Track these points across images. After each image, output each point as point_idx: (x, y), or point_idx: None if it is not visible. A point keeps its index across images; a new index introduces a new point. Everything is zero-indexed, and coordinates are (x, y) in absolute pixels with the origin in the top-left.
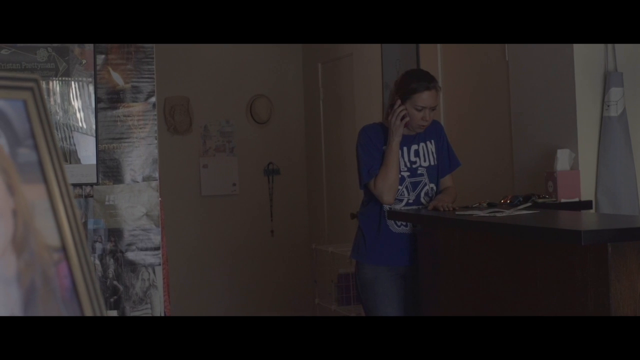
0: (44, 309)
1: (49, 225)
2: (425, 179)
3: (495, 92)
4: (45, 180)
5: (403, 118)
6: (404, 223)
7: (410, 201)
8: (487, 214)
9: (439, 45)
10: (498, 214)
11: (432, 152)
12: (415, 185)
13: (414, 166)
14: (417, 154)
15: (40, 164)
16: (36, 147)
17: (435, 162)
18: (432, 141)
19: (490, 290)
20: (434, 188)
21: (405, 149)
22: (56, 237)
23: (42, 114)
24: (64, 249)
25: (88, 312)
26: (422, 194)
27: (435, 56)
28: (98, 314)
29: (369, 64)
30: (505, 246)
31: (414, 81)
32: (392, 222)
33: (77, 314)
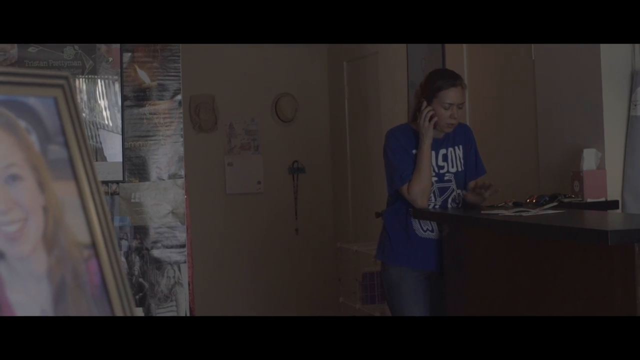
0: (74, 306)
1: (79, 222)
2: (452, 184)
3: (521, 91)
4: (76, 177)
5: (431, 118)
6: (430, 228)
7: (437, 206)
8: (513, 214)
9: (464, 45)
10: (524, 214)
11: (460, 158)
12: (442, 190)
13: (441, 171)
14: (445, 158)
15: (71, 161)
16: (66, 144)
17: (463, 168)
18: (460, 146)
19: (515, 290)
20: (461, 194)
21: (433, 153)
22: (86, 234)
23: (72, 111)
24: (94, 245)
25: (117, 309)
26: (450, 200)
27: (461, 55)
28: (127, 311)
29: (394, 63)
30: (531, 246)
31: (439, 79)
32: (418, 226)
33: (106, 310)
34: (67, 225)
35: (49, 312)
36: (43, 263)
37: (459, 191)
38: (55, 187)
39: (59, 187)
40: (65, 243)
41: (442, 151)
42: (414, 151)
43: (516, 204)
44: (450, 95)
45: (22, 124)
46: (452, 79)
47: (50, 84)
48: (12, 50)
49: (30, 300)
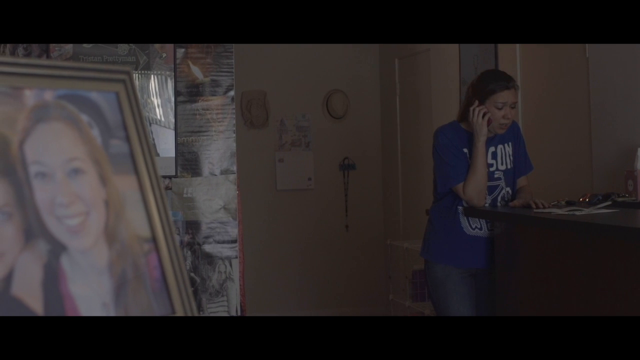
0: (134, 299)
1: (140, 216)
2: (502, 183)
3: (575, 90)
4: (137, 172)
5: (485, 115)
6: (479, 226)
7: (487, 204)
8: (566, 212)
9: (517, 44)
10: (577, 213)
11: (509, 155)
12: (492, 189)
13: (491, 169)
14: (494, 156)
15: (132, 155)
16: (128, 139)
17: (512, 166)
18: (510, 143)
19: (567, 290)
20: (510, 192)
21: None
22: (146, 228)
23: (133, 105)
24: (154, 239)
25: (177, 303)
26: (499, 198)
27: (514, 54)
28: (186, 305)
29: (446, 60)
30: (583, 245)
31: (492, 82)
32: (467, 224)
33: (166, 304)
34: (128, 219)
35: (110, 305)
36: (104, 256)
37: (508, 189)
38: (117, 181)
39: (120, 181)
40: (126, 237)
41: (491, 149)
42: (464, 150)
43: (569, 203)
44: (504, 96)
45: (84, 118)
46: (505, 81)
47: (112, 79)
48: (67, 45)
49: (92, 293)
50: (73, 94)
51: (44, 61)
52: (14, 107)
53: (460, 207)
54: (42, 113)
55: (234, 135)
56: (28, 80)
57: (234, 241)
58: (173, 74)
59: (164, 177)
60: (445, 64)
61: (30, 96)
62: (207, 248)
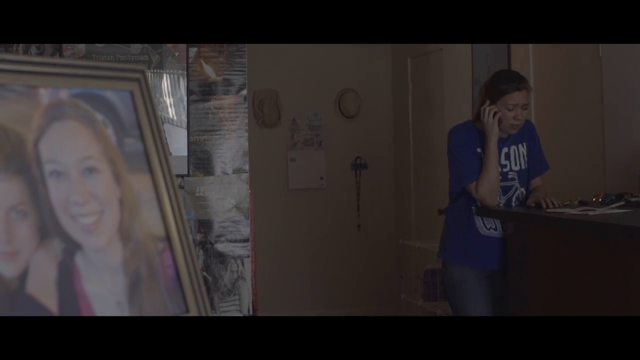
0: (148, 298)
1: (154, 215)
2: (516, 183)
3: (588, 89)
4: (151, 170)
5: (495, 114)
6: (494, 226)
7: (501, 205)
8: (579, 212)
9: (530, 44)
10: (590, 213)
11: (524, 155)
12: (506, 189)
13: (504, 170)
14: (507, 157)
15: (146, 154)
16: (142, 138)
17: (526, 166)
18: (524, 144)
19: (580, 290)
20: (524, 192)
21: None
22: (161, 227)
23: (148, 104)
24: (168, 238)
25: (191, 302)
26: (514, 198)
27: (526, 54)
28: (200, 304)
29: (459, 59)
30: (596, 245)
31: (504, 82)
32: (482, 224)
33: (179, 303)
34: (142, 218)
35: (124, 304)
36: (118, 255)
37: (522, 189)
38: (131, 180)
39: (135, 180)
40: (140, 235)
41: (505, 150)
42: (478, 149)
43: (582, 203)
44: (515, 97)
45: (99, 117)
46: (517, 82)
47: (126, 78)
48: (80, 44)
49: (106, 291)
50: (88, 92)
51: (58, 60)
52: (29, 106)
53: (474, 208)
54: (57, 112)
55: (246, 134)
56: (43, 79)
57: (246, 240)
58: (185, 73)
59: (176, 176)
60: (458, 64)
61: (45, 95)
62: (219, 247)
